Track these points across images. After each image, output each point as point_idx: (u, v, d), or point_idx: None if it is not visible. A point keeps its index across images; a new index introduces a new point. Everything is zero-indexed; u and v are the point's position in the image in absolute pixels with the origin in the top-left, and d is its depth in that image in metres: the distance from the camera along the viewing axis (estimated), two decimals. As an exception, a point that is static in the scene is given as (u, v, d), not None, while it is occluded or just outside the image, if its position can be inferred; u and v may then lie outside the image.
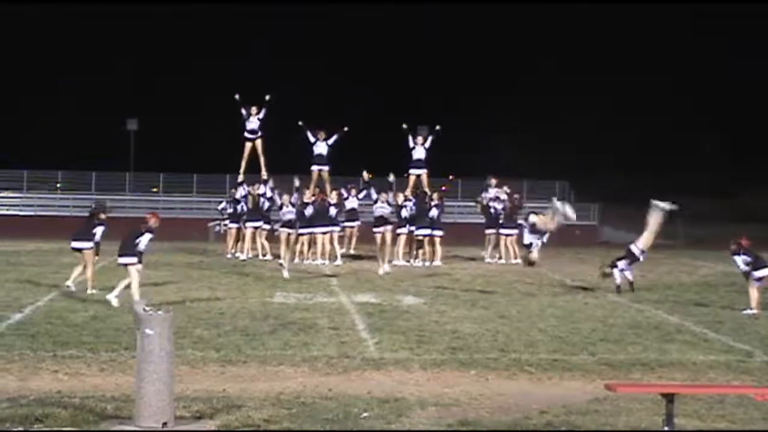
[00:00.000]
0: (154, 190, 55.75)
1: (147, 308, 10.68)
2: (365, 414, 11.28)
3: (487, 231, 32.74)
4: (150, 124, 62.53)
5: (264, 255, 30.61)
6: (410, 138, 31.06)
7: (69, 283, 21.13)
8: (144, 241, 19.57)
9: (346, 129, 31.02)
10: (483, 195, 33.13)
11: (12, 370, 13.48)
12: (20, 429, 10.19)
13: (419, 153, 31.01)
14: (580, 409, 11.75)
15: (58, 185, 55.56)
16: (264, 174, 31.29)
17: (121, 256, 19.55)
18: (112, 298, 19.24)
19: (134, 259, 19.38)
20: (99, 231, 21.34)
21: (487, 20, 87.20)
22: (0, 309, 18.68)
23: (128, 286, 19.21)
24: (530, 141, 70.56)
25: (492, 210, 32.39)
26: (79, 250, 21.37)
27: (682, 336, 17.50)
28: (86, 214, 22.34)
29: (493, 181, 33.06)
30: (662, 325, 18.75)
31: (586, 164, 69.18)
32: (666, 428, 10.37)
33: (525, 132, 73.83)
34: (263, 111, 31.01)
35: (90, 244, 21.24)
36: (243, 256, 30.34)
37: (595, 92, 77.38)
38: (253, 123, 31.10)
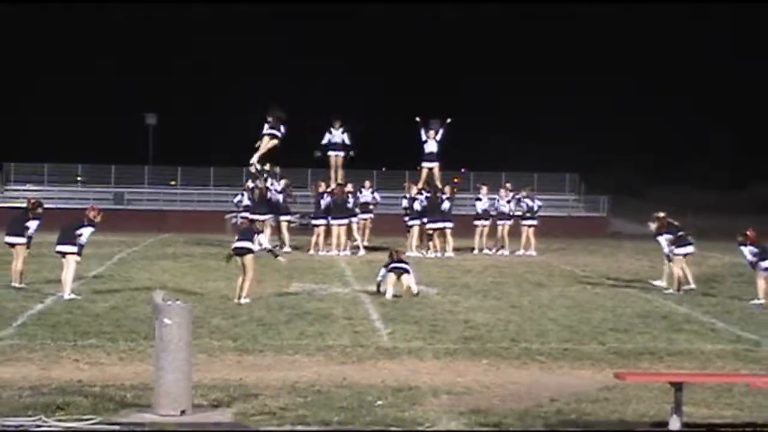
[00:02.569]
0: (172, 183, 55.83)
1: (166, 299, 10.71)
2: (379, 402, 11.28)
3: (476, 222, 32.46)
4: (168, 119, 62.66)
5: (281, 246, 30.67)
6: (422, 131, 31.01)
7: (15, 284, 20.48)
8: (86, 234, 19.38)
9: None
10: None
11: (34, 359, 13.54)
12: (42, 417, 10.22)
13: (431, 146, 30.94)
14: (590, 398, 11.74)
15: (79, 178, 55.70)
16: (277, 168, 31.29)
17: (60, 244, 19.39)
18: (67, 294, 19.04)
19: (74, 249, 19.22)
20: (33, 225, 20.63)
21: (496, 20, 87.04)
22: (22, 299, 18.75)
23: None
24: (542, 136, 70.50)
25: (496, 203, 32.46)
26: (12, 245, 20.72)
27: (691, 326, 17.47)
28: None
29: (484, 188, 33.05)
30: (671, 315, 18.72)
31: (596, 158, 69.08)
32: (674, 416, 10.35)
33: (537, 127, 73.80)
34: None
35: (23, 239, 20.60)
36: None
37: (604, 89, 77.26)
38: (276, 129, 30.49)
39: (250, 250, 19.16)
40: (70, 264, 19.16)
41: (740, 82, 79.16)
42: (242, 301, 18.91)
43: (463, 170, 53.65)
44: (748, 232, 20.92)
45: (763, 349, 15.43)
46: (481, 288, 22.15)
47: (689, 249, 22.50)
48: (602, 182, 59.93)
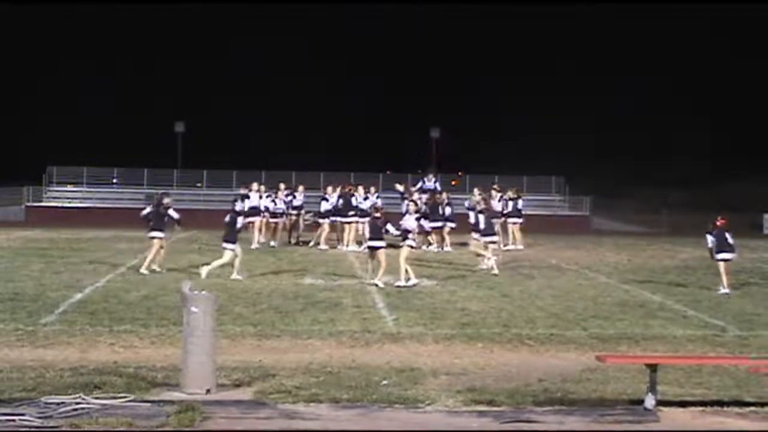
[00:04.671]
0: (199, 185, 55.88)
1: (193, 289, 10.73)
2: (385, 382, 11.29)
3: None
4: (195, 127, 62.78)
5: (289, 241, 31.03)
6: (420, 182, 31.75)
7: (156, 268, 21.81)
8: (240, 221, 21.43)
9: None
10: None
11: (74, 343, 13.55)
12: (81, 395, 10.23)
13: (429, 185, 31.51)
14: (573, 378, 11.74)
15: (115, 180, 55.83)
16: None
17: (228, 242, 21.02)
18: (236, 276, 20.73)
19: (233, 246, 21.02)
20: (174, 215, 22.40)
21: (495, 20, 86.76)
22: (64, 289, 18.77)
23: (227, 264, 21.01)
24: (533, 142, 70.43)
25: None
26: (153, 238, 22.08)
27: (664, 313, 17.46)
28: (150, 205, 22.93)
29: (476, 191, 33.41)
30: (646, 303, 18.71)
31: (579, 162, 68.98)
32: (649, 394, 10.35)
33: (528, 133, 73.73)
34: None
35: (163, 234, 22.16)
36: (274, 243, 30.52)
37: (588, 92, 77.02)
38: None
39: (381, 247, 20.52)
40: (229, 256, 20.97)
41: (722, 83, 78.78)
42: (376, 281, 20.15)
43: (459, 174, 53.62)
44: (717, 222, 20.84)
45: (729, 334, 15.42)
46: (476, 279, 22.13)
47: (494, 238, 23.80)
48: (589, 183, 59.70)
